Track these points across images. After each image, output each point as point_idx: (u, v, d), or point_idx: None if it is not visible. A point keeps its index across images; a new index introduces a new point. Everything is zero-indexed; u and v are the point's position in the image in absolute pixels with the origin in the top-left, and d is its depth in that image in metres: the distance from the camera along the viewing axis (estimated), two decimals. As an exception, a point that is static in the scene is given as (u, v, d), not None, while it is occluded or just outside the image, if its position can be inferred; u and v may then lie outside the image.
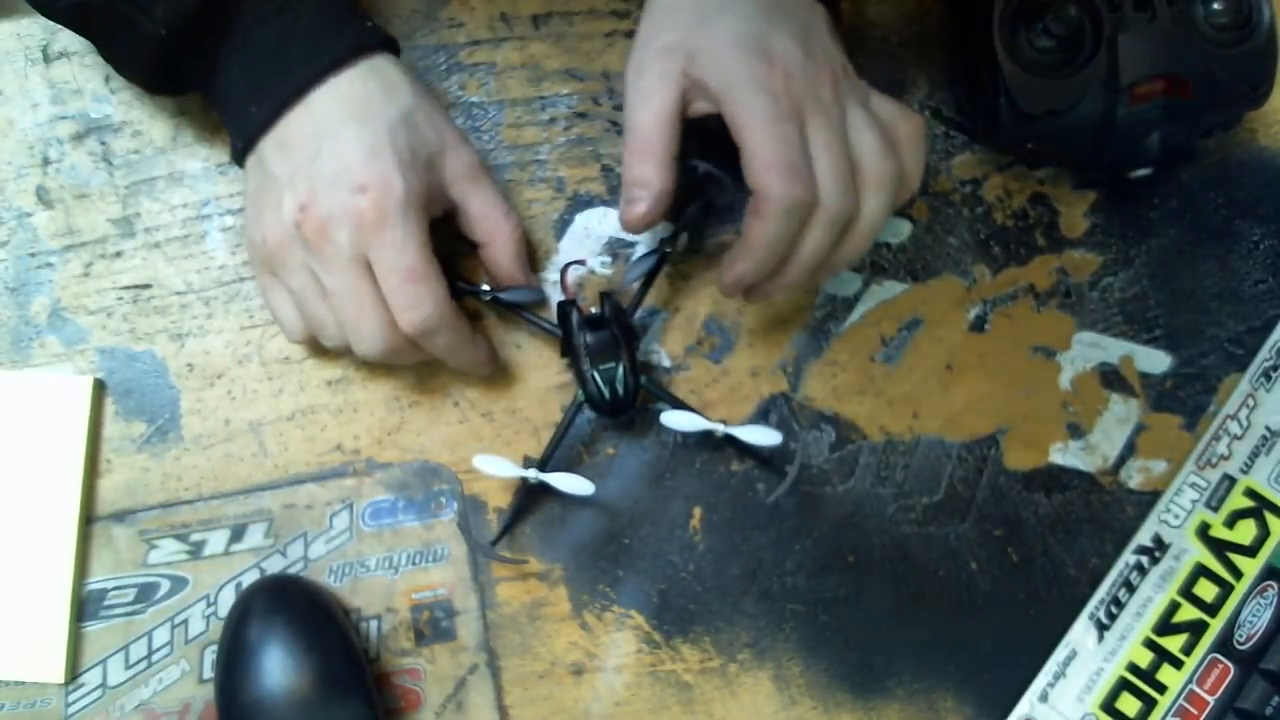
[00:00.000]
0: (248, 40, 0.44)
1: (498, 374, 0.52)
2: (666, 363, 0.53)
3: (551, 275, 0.53)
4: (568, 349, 0.50)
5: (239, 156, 0.47)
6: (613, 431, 0.53)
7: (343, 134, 0.44)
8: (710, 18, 0.45)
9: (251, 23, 0.44)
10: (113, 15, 0.43)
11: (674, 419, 0.49)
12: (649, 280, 0.51)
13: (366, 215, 0.43)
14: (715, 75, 0.44)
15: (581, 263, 0.53)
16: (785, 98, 0.43)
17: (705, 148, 0.47)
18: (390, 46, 0.47)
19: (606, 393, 0.49)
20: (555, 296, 0.53)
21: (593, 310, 0.50)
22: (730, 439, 0.49)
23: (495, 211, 0.49)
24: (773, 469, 0.53)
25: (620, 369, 0.48)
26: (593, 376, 0.48)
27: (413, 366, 0.52)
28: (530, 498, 0.51)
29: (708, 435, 0.49)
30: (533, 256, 0.54)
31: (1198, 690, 0.51)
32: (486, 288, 0.50)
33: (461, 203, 0.48)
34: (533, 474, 0.48)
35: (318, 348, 0.52)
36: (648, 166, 0.45)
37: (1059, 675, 0.52)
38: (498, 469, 0.48)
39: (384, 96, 0.45)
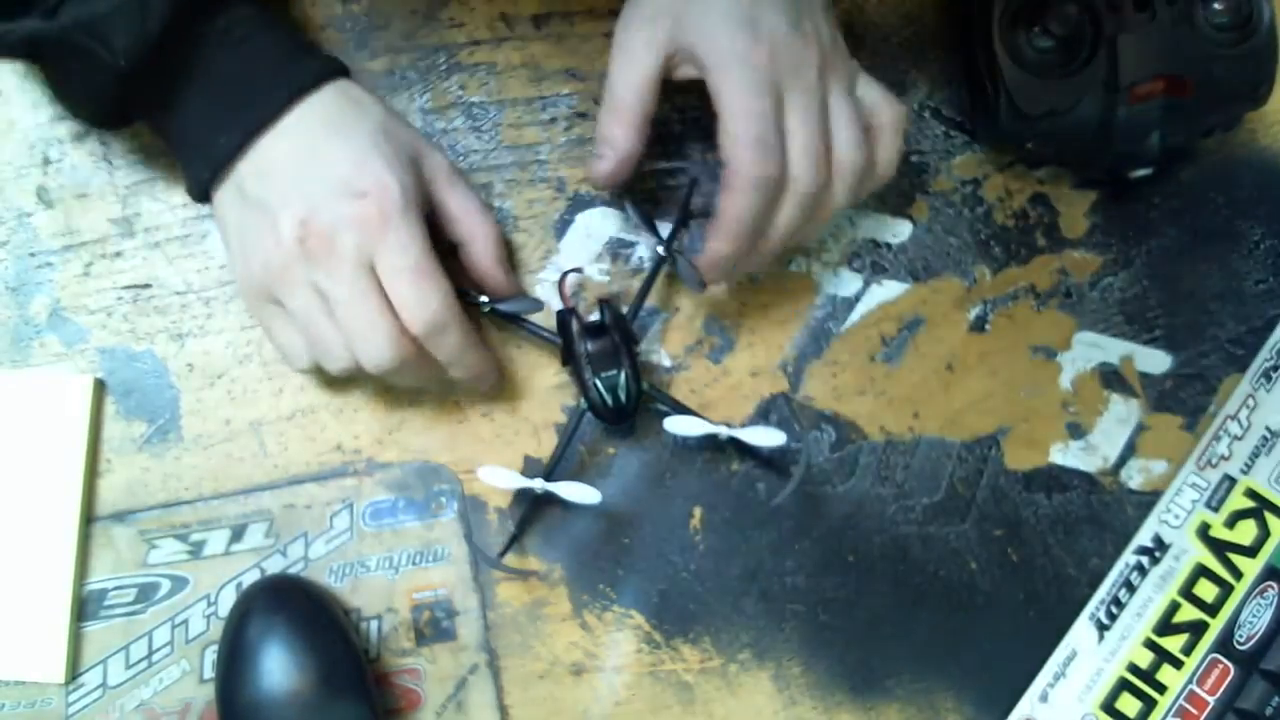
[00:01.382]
0: (210, 71, 0.44)
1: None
2: (666, 363, 0.53)
3: (551, 276, 0.53)
4: (568, 357, 0.50)
5: (203, 189, 0.46)
6: (613, 431, 0.53)
7: (327, 148, 0.44)
8: None
9: (215, 52, 0.44)
10: (69, 48, 0.42)
11: (678, 424, 0.49)
12: (648, 284, 0.51)
13: (371, 218, 0.43)
14: (700, 44, 0.45)
15: (579, 270, 0.53)
16: (766, 73, 0.44)
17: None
18: (347, 75, 0.47)
19: (609, 400, 0.48)
20: (553, 300, 0.53)
21: (592, 317, 0.50)
22: (734, 441, 0.49)
23: (473, 211, 0.49)
24: (776, 470, 0.53)
25: (622, 376, 0.48)
26: (595, 385, 0.48)
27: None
28: (535, 507, 0.51)
29: (712, 437, 0.49)
30: (532, 257, 0.54)
31: (1198, 690, 0.51)
32: (485, 299, 0.50)
33: (441, 203, 0.48)
34: (539, 484, 0.48)
35: (322, 375, 0.52)
36: (619, 127, 0.46)
37: (1059, 675, 0.52)
38: (503, 480, 0.48)
39: (356, 111, 0.45)
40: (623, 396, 0.48)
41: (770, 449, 0.50)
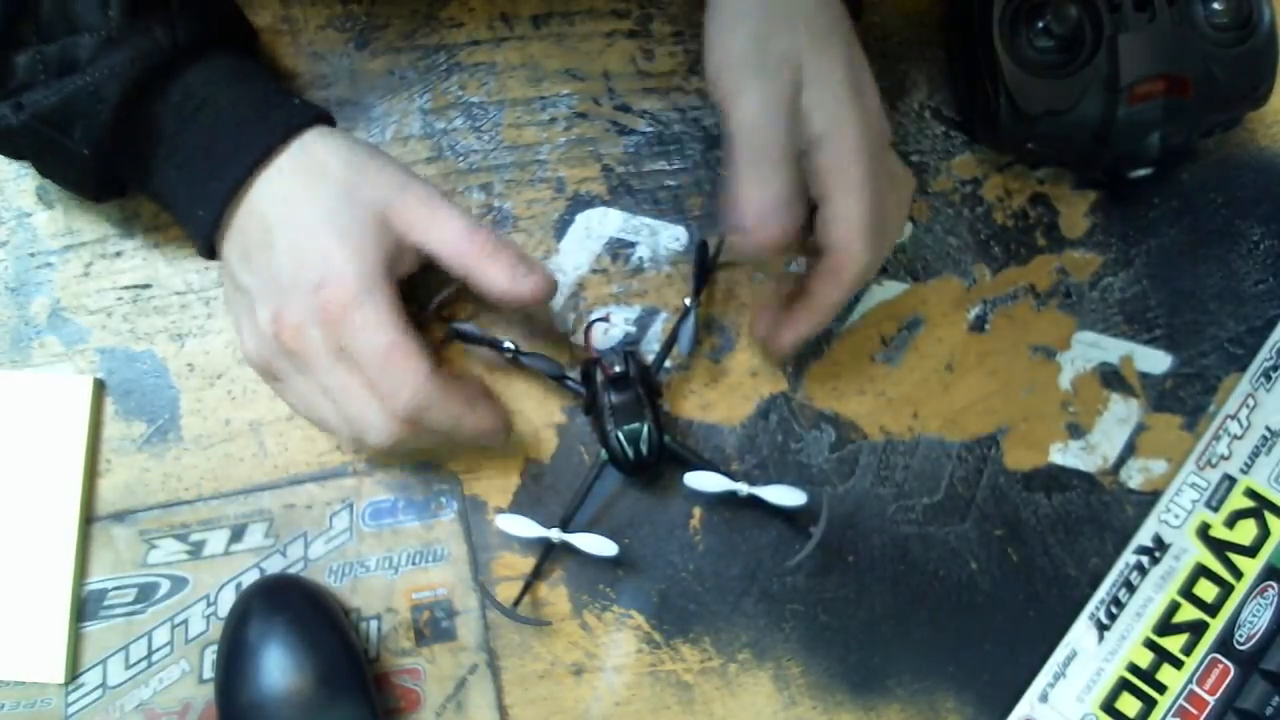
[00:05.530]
0: (176, 144, 0.44)
1: (498, 374, 0.52)
2: (667, 363, 0.53)
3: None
4: (591, 407, 0.50)
5: (209, 253, 0.46)
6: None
7: (287, 231, 0.43)
8: (823, 34, 0.43)
9: (175, 126, 0.43)
10: (38, 139, 0.43)
11: (698, 480, 0.49)
12: (673, 337, 0.51)
13: (331, 310, 0.42)
14: (822, 113, 0.42)
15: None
16: (874, 152, 0.42)
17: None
18: (322, 118, 0.45)
19: (631, 453, 0.48)
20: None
21: (616, 369, 0.49)
22: (754, 499, 0.49)
23: (460, 239, 0.44)
24: (797, 526, 0.52)
25: (645, 429, 0.48)
26: (617, 438, 0.48)
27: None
28: (549, 556, 0.51)
29: (731, 494, 0.49)
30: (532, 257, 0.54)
31: (1198, 690, 0.51)
32: (509, 345, 0.49)
33: (425, 247, 0.45)
34: (556, 535, 0.49)
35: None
36: (777, 176, 0.42)
37: (1059, 675, 0.52)
38: (521, 529, 0.49)
39: (313, 180, 0.43)
40: (644, 450, 0.48)
41: (792, 509, 0.49)
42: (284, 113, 0.44)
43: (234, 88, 0.44)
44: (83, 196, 0.49)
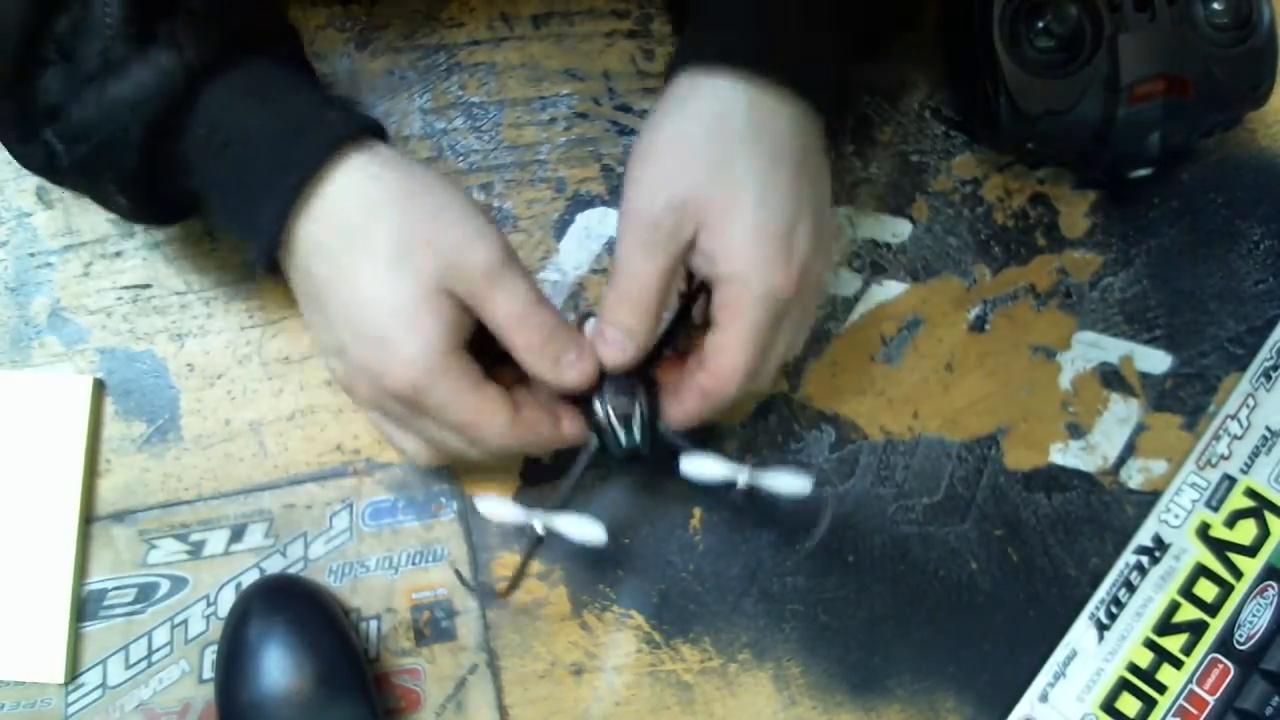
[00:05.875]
0: (210, 182, 0.41)
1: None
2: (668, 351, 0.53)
3: (551, 276, 0.53)
4: (583, 399, 0.47)
5: (270, 271, 0.43)
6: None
7: (337, 296, 0.40)
8: (739, 176, 0.41)
9: (205, 164, 0.40)
10: (86, 183, 0.42)
11: (694, 465, 0.46)
12: (672, 329, 0.48)
13: (401, 393, 0.40)
14: (726, 258, 0.41)
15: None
16: (782, 303, 0.42)
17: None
18: (352, 138, 0.40)
19: (623, 436, 0.46)
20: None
21: None
22: (755, 489, 0.46)
23: (516, 325, 0.41)
24: (797, 521, 0.51)
25: (637, 410, 0.46)
26: (610, 423, 0.46)
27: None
28: (538, 544, 0.48)
29: (731, 483, 0.46)
30: (532, 257, 0.54)
31: (1198, 690, 0.51)
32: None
33: (479, 311, 0.41)
34: (539, 520, 0.46)
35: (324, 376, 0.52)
36: (638, 319, 0.43)
37: (1059, 675, 0.52)
38: (502, 513, 0.46)
39: (360, 237, 0.39)
40: (636, 433, 0.46)
41: (796, 498, 0.46)
42: (316, 135, 0.40)
43: (261, 109, 0.40)
44: (160, 225, 0.49)
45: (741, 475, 0.45)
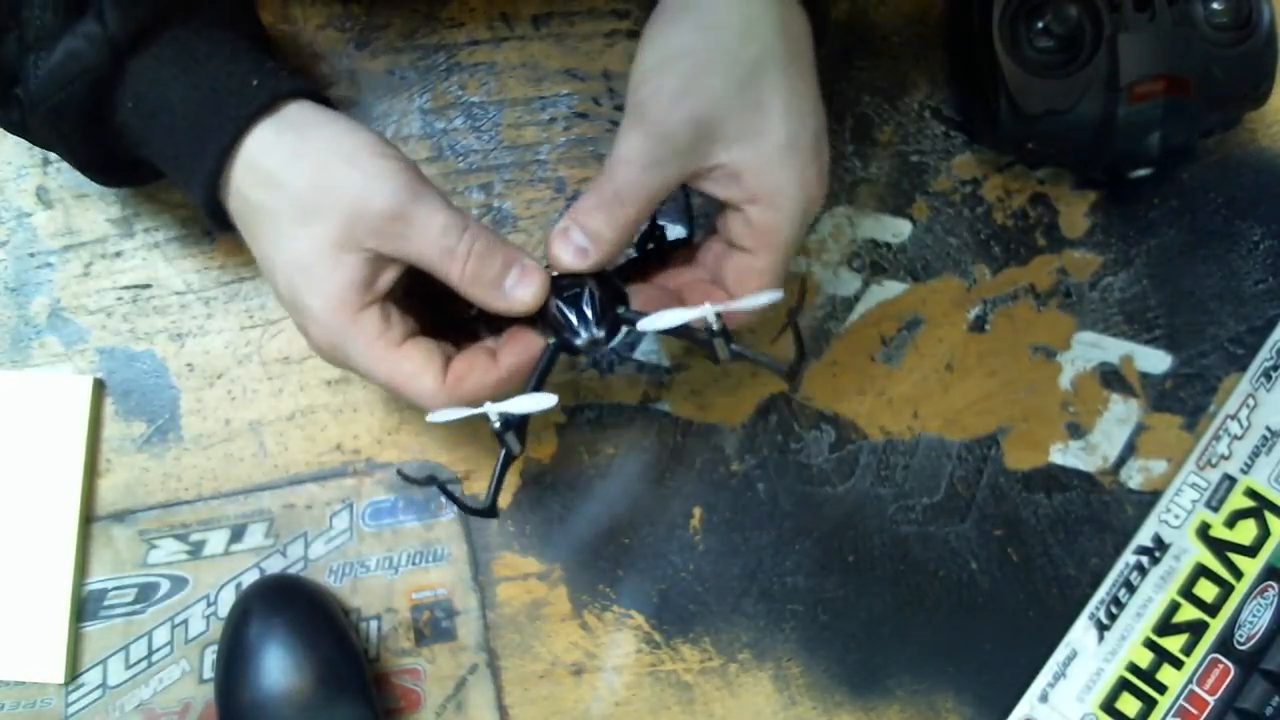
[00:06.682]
0: (150, 149, 0.41)
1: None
2: (666, 363, 0.53)
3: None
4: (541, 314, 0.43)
5: (226, 229, 0.44)
6: (613, 431, 0.53)
7: (259, 253, 0.41)
8: (767, 89, 0.39)
9: (141, 133, 0.41)
10: (54, 146, 0.43)
11: (656, 320, 0.41)
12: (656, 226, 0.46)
13: (323, 349, 0.41)
14: (756, 175, 0.40)
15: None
16: (812, 215, 0.41)
17: None
18: (288, 94, 0.40)
19: (574, 317, 0.41)
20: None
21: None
22: (723, 330, 0.41)
23: (439, 257, 0.40)
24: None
25: (586, 291, 0.41)
26: (557, 305, 0.41)
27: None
28: (509, 459, 0.44)
29: (699, 332, 0.41)
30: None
31: (1198, 690, 0.51)
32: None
33: (401, 256, 0.40)
34: (490, 409, 0.41)
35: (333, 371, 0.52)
36: (613, 230, 0.41)
37: (1059, 675, 0.52)
38: (452, 415, 0.41)
39: (270, 195, 0.39)
40: (588, 311, 0.41)
41: (764, 307, 0.41)
42: (235, 103, 0.39)
43: (184, 79, 0.40)
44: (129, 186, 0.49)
45: (708, 312, 0.40)
